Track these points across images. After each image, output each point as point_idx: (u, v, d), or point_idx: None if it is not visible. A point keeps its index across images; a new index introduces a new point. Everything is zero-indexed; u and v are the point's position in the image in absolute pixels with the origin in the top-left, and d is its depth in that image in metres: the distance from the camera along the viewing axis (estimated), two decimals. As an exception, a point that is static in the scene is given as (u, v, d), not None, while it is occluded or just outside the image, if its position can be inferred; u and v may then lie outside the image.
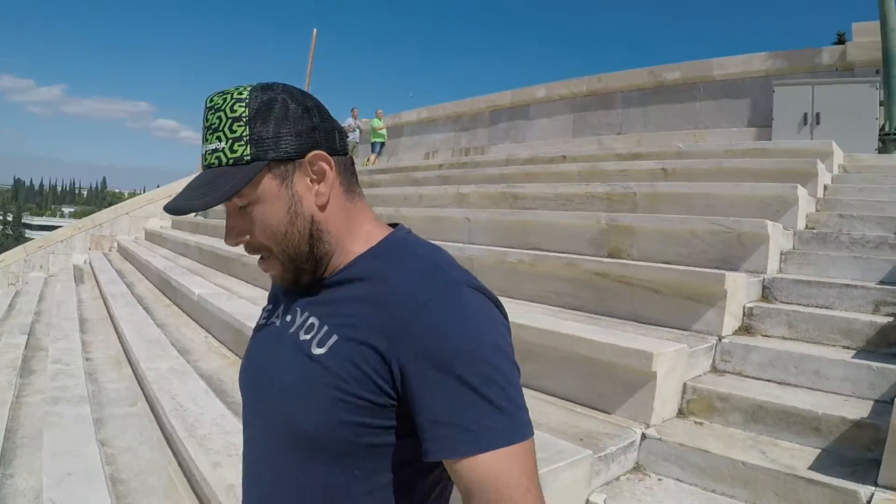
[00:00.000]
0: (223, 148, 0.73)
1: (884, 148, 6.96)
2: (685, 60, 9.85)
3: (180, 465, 2.64)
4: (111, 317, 5.73)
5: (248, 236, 0.78)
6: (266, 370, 0.82)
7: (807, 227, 3.99)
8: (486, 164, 8.83)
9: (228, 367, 3.70)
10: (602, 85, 10.60)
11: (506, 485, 0.65)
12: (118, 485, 2.66)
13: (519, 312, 2.94)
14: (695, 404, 2.36)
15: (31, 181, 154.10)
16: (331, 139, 0.78)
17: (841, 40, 8.57)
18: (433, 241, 0.84)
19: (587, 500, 1.88)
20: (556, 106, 11.36)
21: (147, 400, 3.70)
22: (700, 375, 2.56)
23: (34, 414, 3.57)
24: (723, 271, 2.91)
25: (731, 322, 2.84)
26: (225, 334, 4.23)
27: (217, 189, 0.72)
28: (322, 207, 0.78)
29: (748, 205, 4.04)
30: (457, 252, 4.12)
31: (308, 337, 0.76)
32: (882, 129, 7.09)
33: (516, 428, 0.68)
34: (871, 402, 2.20)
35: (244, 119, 0.73)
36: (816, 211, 4.28)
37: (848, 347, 2.61)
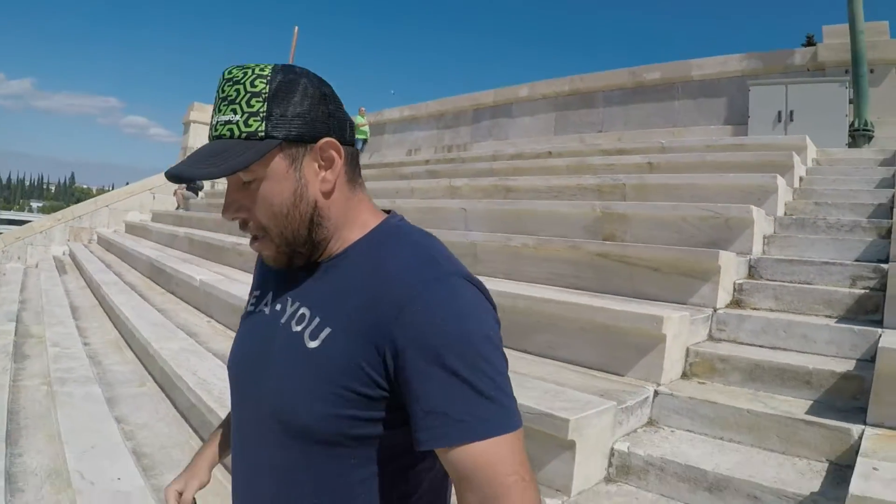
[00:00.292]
0: (237, 121, 0.72)
1: (853, 143, 7.37)
2: (663, 61, 10.17)
3: (202, 440, 2.72)
4: (106, 304, 5.71)
5: (246, 213, 0.77)
6: (258, 361, 0.81)
7: (786, 213, 4.26)
8: (473, 159, 9.01)
9: (239, 348, 3.78)
10: (584, 84, 10.87)
11: (499, 472, 0.66)
12: (142, 458, 2.73)
13: (530, 291, 3.09)
14: (697, 366, 2.57)
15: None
16: (342, 128, 0.78)
17: (810, 42, 8.93)
18: (430, 231, 0.86)
19: (612, 448, 2.07)
20: (538, 105, 11.59)
21: (156, 381, 3.76)
22: (700, 342, 2.77)
23: (34, 397, 3.58)
24: (716, 250, 3.13)
25: (724, 296, 3.07)
26: (230, 317, 4.30)
27: (226, 160, 0.71)
28: (326, 194, 0.78)
29: (731, 193, 4.29)
30: (459, 239, 4.26)
31: (300, 328, 0.76)
32: (852, 125, 7.51)
33: (507, 417, 0.68)
34: (854, 361, 2.44)
35: (264, 95, 0.72)
36: (794, 199, 4.56)
37: (830, 316, 2.85)
